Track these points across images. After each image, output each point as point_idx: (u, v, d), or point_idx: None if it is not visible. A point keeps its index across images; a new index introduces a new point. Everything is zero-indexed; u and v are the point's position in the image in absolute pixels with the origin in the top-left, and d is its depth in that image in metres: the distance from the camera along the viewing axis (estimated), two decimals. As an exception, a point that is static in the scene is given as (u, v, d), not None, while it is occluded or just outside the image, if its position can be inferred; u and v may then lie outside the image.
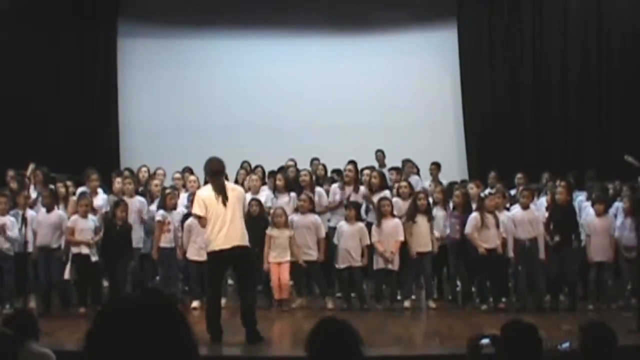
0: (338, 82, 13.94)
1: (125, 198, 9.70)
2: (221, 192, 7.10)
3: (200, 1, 13.84)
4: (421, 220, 9.38)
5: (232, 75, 14.03)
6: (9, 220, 9.13)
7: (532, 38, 13.58)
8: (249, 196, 9.31)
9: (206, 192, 7.23)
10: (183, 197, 10.10)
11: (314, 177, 10.68)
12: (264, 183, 10.74)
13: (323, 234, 9.50)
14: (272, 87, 13.92)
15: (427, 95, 13.85)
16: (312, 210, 9.58)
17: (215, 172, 7.25)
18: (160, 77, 14.05)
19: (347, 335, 2.97)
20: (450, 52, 13.90)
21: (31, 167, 10.17)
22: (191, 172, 10.75)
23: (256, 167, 11.43)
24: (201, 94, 14.08)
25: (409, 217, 9.41)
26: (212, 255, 7.15)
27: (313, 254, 9.37)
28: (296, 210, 9.60)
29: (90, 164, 10.66)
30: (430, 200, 10.11)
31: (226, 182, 7.54)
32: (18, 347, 3.76)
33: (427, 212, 9.47)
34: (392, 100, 13.76)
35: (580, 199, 10.34)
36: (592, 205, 9.56)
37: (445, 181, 11.20)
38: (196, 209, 7.24)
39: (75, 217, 9.21)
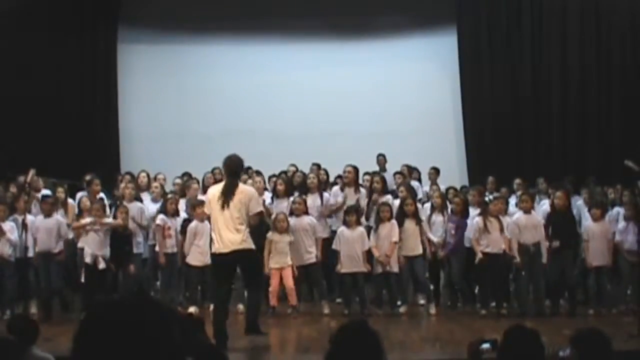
0: (338, 88, 13.93)
1: (125, 203, 9.69)
2: (227, 193, 6.97)
3: (201, 7, 13.84)
4: (409, 224, 9.35)
5: (232, 81, 14.02)
6: (8, 224, 9.15)
7: (532, 43, 13.58)
8: None
9: (214, 191, 7.18)
10: (182, 202, 10.08)
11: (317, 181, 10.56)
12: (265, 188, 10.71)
13: (320, 233, 9.48)
14: (271, 92, 13.93)
15: (427, 100, 13.86)
16: (306, 213, 9.55)
17: (230, 172, 7.17)
18: (160, 82, 14.05)
19: (372, 341, 2.99)
20: (450, 57, 13.92)
21: (31, 172, 10.16)
22: (191, 177, 10.70)
23: (256, 171, 11.40)
24: (201, 99, 14.08)
25: (398, 224, 9.38)
26: (213, 257, 7.17)
27: (313, 256, 9.35)
28: (291, 213, 9.54)
29: (91, 170, 10.65)
30: (428, 205, 10.15)
31: (240, 184, 7.29)
32: (20, 353, 3.76)
33: (415, 216, 9.42)
34: (393, 105, 13.77)
35: (579, 203, 10.37)
36: (589, 210, 9.60)
37: (444, 186, 11.22)
38: (207, 208, 7.42)
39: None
